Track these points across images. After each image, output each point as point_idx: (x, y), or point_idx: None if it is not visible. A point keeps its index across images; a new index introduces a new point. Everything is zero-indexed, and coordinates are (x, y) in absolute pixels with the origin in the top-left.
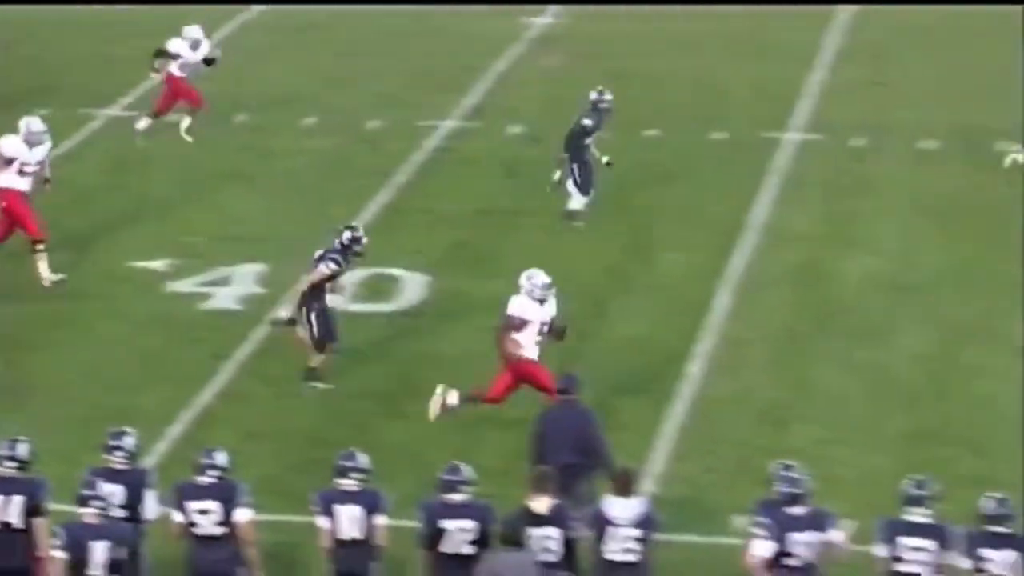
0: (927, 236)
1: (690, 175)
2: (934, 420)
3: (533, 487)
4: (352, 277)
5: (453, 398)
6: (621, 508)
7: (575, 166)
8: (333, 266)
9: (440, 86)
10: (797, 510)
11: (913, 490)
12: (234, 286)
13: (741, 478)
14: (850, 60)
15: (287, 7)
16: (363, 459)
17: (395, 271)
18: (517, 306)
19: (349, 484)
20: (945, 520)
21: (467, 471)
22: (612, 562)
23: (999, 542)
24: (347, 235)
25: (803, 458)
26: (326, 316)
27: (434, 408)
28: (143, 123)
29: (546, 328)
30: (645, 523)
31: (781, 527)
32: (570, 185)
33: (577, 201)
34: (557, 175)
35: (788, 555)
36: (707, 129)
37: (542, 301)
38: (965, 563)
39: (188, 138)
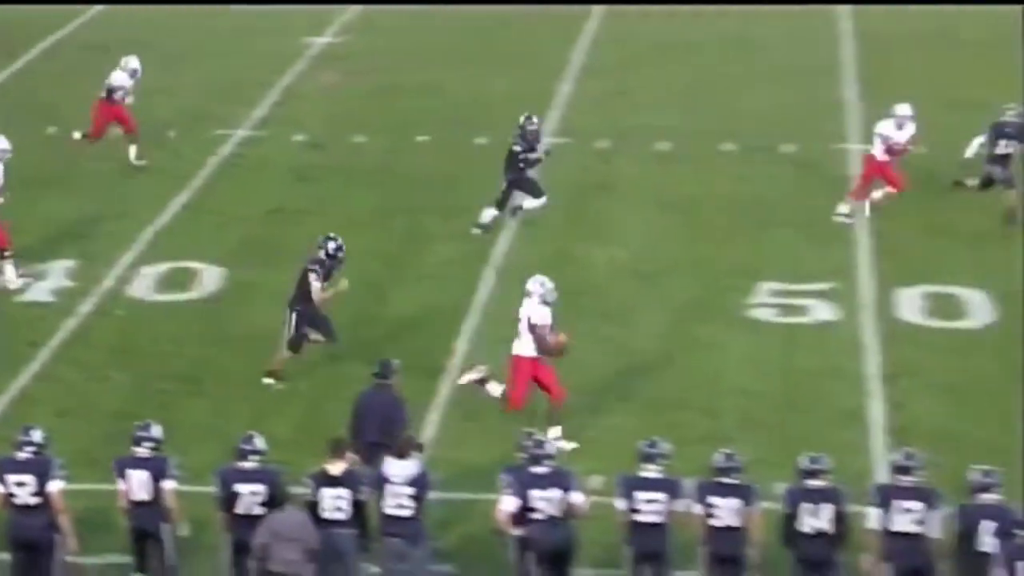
0: (664, 228)
1: (458, 176)
2: (670, 388)
3: (329, 453)
4: (156, 270)
5: (496, 390)
6: (397, 468)
7: (511, 183)
8: (319, 273)
9: (232, 100)
10: (540, 469)
11: (646, 449)
12: (48, 280)
13: (504, 442)
14: (594, 73)
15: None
16: (156, 430)
17: (194, 264)
18: (538, 314)
19: (142, 451)
20: (677, 474)
21: (259, 441)
22: (389, 516)
23: (726, 491)
24: (331, 245)
25: (565, 423)
26: (316, 319)
27: (468, 376)
28: (77, 134)
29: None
30: (418, 482)
31: (523, 485)
32: (527, 201)
33: (530, 202)
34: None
35: (532, 510)
36: (472, 135)
37: (549, 303)
38: (697, 508)
39: (141, 162)
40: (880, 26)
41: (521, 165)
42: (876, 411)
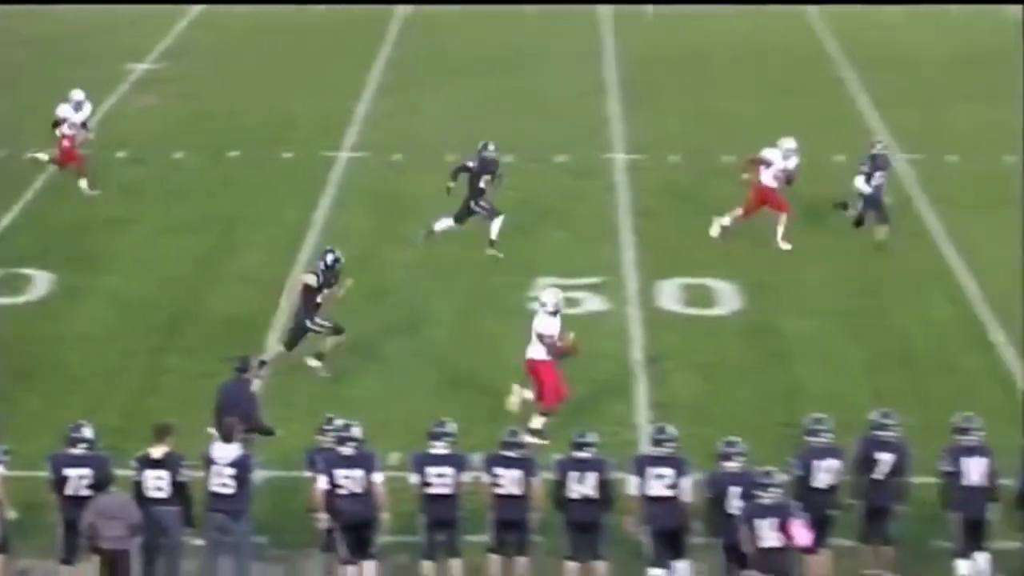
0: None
1: (267, 187)
2: (461, 373)
3: (153, 439)
4: None
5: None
6: (222, 451)
7: (472, 201)
8: (325, 286)
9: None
10: (346, 451)
11: (435, 428)
12: None
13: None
14: (388, 93)
15: None
16: None
17: (28, 271)
18: (544, 324)
19: None
20: (465, 450)
21: (87, 430)
22: (214, 493)
23: (510, 463)
24: (330, 257)
25: (364, 406)
26: (305, 326)
27: (515, 401)
28: (42, 155)
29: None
30: (239, 464)
31: (329, 465)
32: (439, 226)
33: (494, 228)
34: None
35: (339, 487)
36: (279, 151)
37: (558, 313)
38: (486, 478)
39: (93, 192)
40: (640, 49)
41: (481, 187)
42: (641, 389)
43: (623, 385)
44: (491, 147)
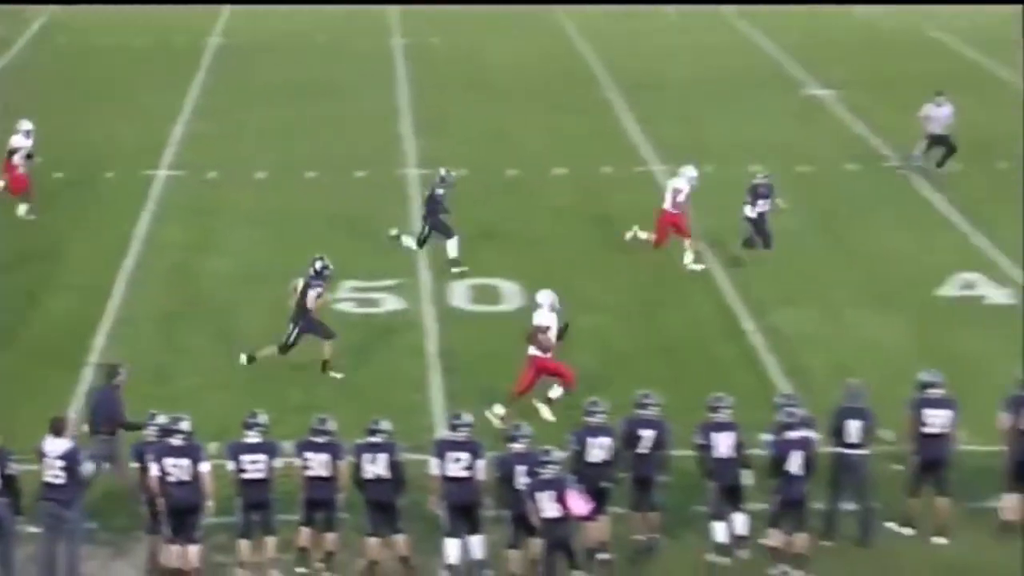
0: (261, 241)
1: (93, 202)
2: (272, 370)
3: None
4: None
5: (556, 392)
6: (52, 445)
7: (430, 222)
8: (318, 289)
9: None
10: (175, 441)
11: (248, 420)
12: None
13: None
14: (202, 116)
15: None
16: None
17: None
18: (546, 320)
19: None
20: (277, 438)
21: None
22: (46, 484)
23: (318, 448)
24: (319, 264)
25: (184, 402)
26: (314, 325)
27: (546, 412)
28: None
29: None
30: (68, 456)
31: (159, 455)
32: (407, 240)
33: (452, 247)
34: (395, 231)
35: (168, 474)
36: (103, 171)
37: (557, 310)
38: (297, 462)
39: (31, 216)
40: (430, 76)
41: (437, 209)
42: (436, 379)
43: (420, 376)
44: (452, 173)
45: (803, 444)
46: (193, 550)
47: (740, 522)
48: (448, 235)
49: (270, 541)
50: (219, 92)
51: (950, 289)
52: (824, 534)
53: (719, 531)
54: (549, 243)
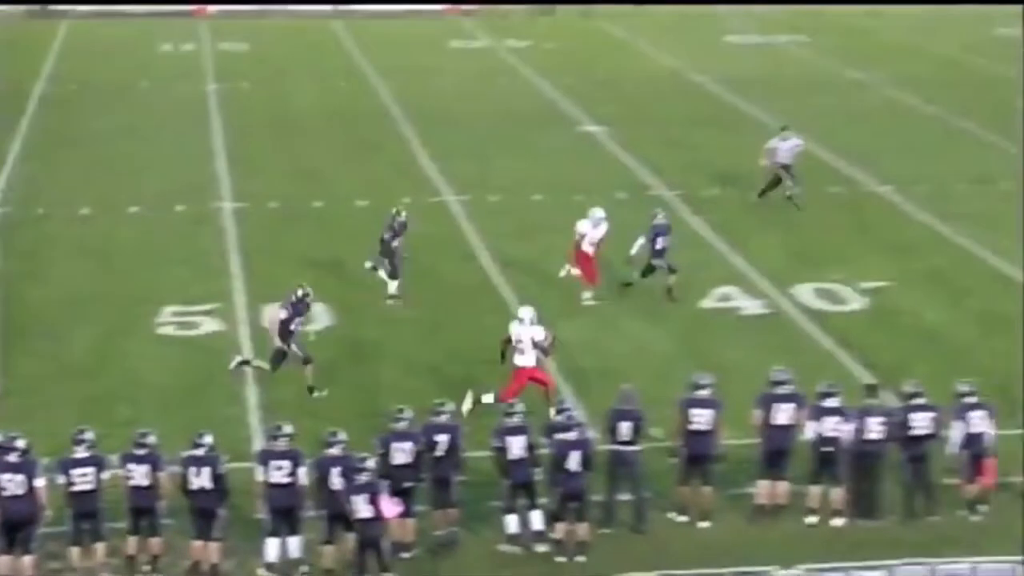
0: (87, 270)
1: None
2: (102, 388)
3: None
4: None
5: (488, 398)
6: None
7: (386, 261)
8: (296, 316)
9: None
10: (11, 458)
11: (76, 436)
12: None
13: None
14: (28, 158)
15: None
16: None
17: None
18: (538, 333)
19: None
20: (105, 452)
21: None
22: None
23: (140, 459)
24: (299, 292)
25: (13, 422)
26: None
27: (467, 405)
28: None
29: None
30: None
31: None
32: (382, 274)
33: (392, 286)
34: (370, 264)
35: (3, 489)
36: None
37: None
38: (121, 473)
39: None
40: (241, 118)
41: (392, 249)
42: (252, 394)
43: (238, 391)
44: (403, 214)
45: (581, 444)
46: (27, 560)
47: (536, 518)
48: (394, 277)
49: (100, 548)
50: (44, 135)
51: (710, 301)
52: (603, 522)
53: (511, 523)
54: (351, 267)
